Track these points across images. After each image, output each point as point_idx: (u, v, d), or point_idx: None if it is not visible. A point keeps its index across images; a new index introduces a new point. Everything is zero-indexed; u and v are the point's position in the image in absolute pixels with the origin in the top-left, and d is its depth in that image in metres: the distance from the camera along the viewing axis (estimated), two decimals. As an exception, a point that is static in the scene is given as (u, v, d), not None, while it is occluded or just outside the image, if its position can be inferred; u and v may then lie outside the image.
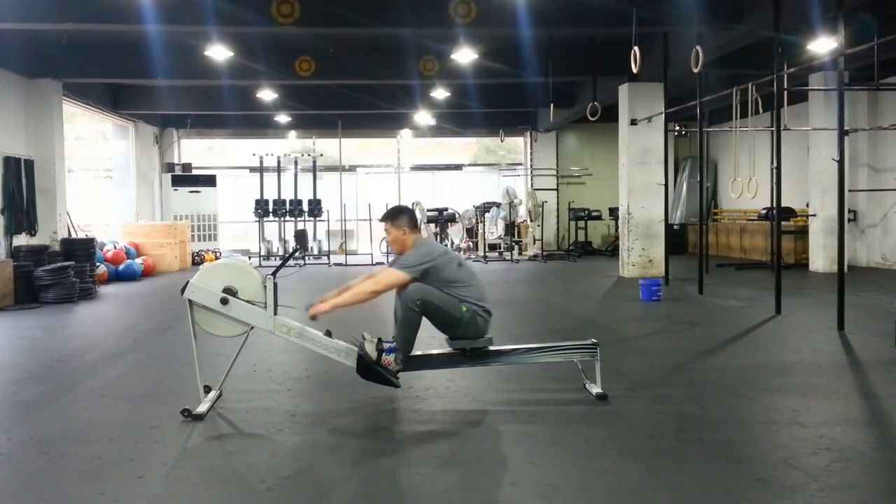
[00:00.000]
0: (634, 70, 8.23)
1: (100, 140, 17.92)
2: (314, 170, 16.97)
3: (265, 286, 4.12)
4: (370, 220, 15.84)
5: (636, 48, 8.20)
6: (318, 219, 16.59)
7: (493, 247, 16.92)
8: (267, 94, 13.73)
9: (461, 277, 4.27)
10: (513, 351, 4.45)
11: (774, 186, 8.35)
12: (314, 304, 4.22)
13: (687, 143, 18.11)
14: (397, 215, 4.41)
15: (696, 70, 8.19)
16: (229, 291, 4.09)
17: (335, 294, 4.30)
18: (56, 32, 10.13)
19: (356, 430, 3.88)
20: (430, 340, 5.20)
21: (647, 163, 11.50)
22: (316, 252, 16.40)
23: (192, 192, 16.84)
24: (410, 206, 4.64)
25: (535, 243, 16.24)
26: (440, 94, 13.59)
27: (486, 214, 16.83)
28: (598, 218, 17.25)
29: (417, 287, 4.15)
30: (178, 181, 16.87)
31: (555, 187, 18.24)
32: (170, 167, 17.26)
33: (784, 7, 7.45)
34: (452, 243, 17.03)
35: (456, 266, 4.31)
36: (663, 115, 10.81)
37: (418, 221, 4.54)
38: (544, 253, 15.73)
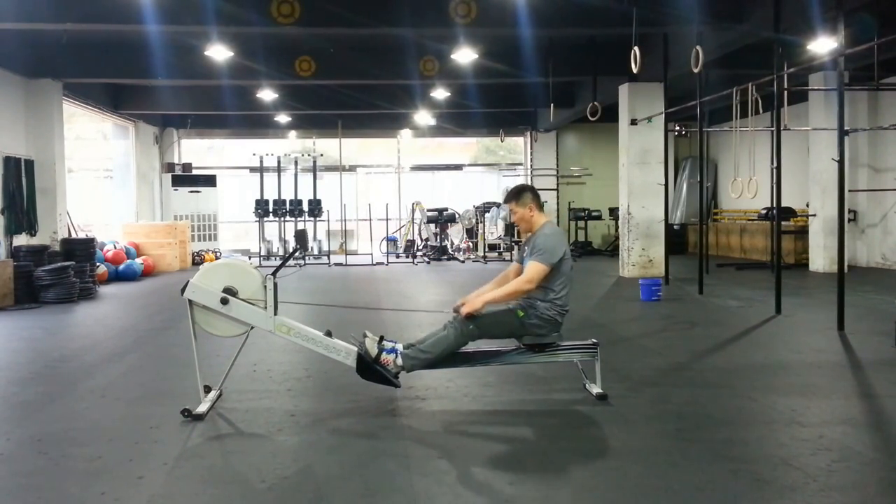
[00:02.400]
0: (634, 70, 8.23)
1: (100, 140, 17.92)
2: (314, 170, 16.97)
3: (265, 286, 4.12)
4: (370, 220, 15.86)
5: (636, 48, 8.19)
6: (318, 219, 16.58)
7: (492, 247, 16.92)
8: (267, 94, 13.73)
9: (568, 276, 4.28)
10: (513, 351, 4.44)
11: (774, 186, 8.36)
12: (465, 304, 4.16)
13: (687, 143, 18.11)
14: (521, 193, 4.37)
15: (696, 70, 8.18)
16: (229, 291, 4.09)
17: (485, 293, 4.25)
18: (56, 32, 10.13)
19: (356, 430, 3.88)
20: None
21: (647, 163, 11.50)
22: (316, 252, 16.39)
23: (192, 192, 16.84)
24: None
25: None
26: (440, 94, 13.60)
27: (486, 214, 16.83)
28: (598, 218, 17.25)
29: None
30: (178, 181, 16.86)
31: (555, 187, 18.24)
32: (170, 167, 17.26)
33: (784, 7, 7.45)
34: (452, 243, 17.03)
35: (570, 264, 4.32)
36: (663, 115, 10.81)
37: (541, 201, 4.47)
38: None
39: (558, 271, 4.20)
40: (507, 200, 4.45)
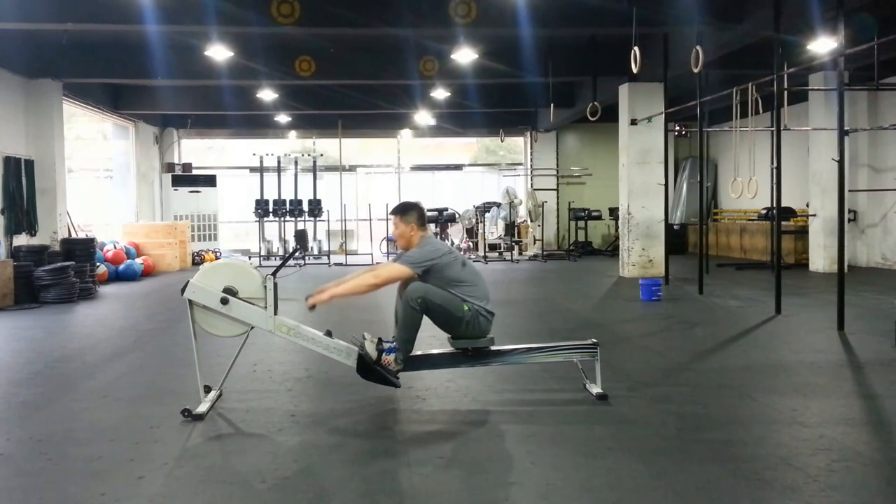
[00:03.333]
0: (634, 70, 8.24)
1: (100, 140, 17.92)
2: (314, 170, 16.96)
3: (265, 286, 4.12)
4: (370, 220, 15.86)
5: (636, 48, 8.20)
6: (318, 219, 16.58)
7: (493, 247, 16.92)
8: (267, 94, 13.73)
9: (465, 277, 4.27)
10: (513, 351, 4.44)
11: (774, 186, 8.35)
12: (313, 294, 4.20)
13: (687, 143, 18.11)
14: (407, 210, 4.41)
15: (696, 70, 8.19)
16: (229, 291, 4.09)
17: (334, 285, 4.27)
18: (56, 32, 10.13)
19: (356, 430, 3.88)
20: (431, 340, 5.21)
21: (647, 163, 11.50)
22: (316, 252, 16.39)
23: (192, 192, 16.84)
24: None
25: (535, 243, 16.24)
26: (440, 94, 13.59)
27: (486, 214, 16.83)
28: (598, 218, 17.25)
29: (419, 286, 4.15)
30: (178, 181, 16.86)
31: (555, 187, 18.24)
32: (170, 167, 17.26)
33: (784, 7, 7.45)
34: (452, 243, 17.03)
35: (460, 265, 4.31)
36: (663, 115, 10.81)
37: (426, 220, 4.51)
38: (544, 253, 15.73)
39: (444, 278, 4.19)
40: (393, 213, 4.47)
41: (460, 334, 4.25)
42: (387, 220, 16.15)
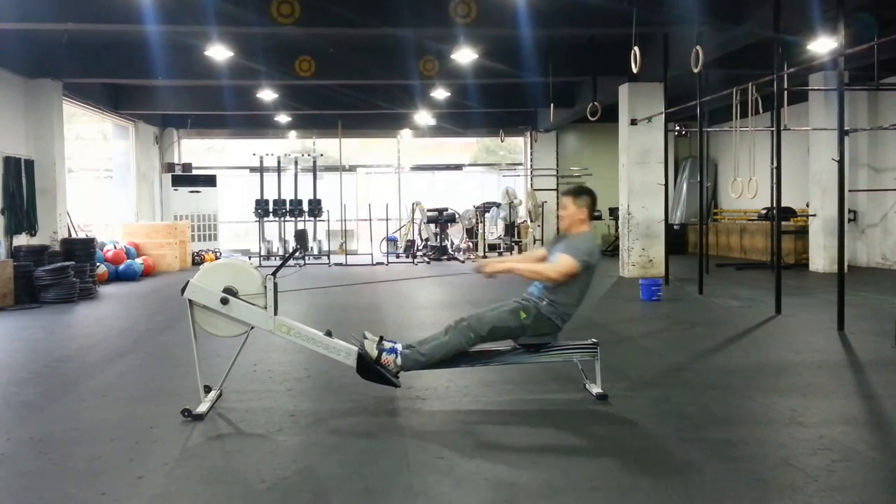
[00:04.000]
0: (634, 70, 8.24)
1: (100, 140, 17.91)
2: (314, 170, 16.96)
3: (265, 286, 4.12)
4: (370, 220, 15.85)
5: (636, 48, 8.20)
6: (318, 219, 16.58)
7: (493, 247, 16.92)
8: (267, 94, 13.73)
9: (587, 290, 4.29)
10: (513, 351, 4.44)
11: (774, 186, 8.35)
12: (486, 265, 4.22)
13: (687, 143, 18.11)
14: (582, 194, 4.38)
15: (696, 70, 8.19)
16: (229, 291, 4.09)
17: (513, 261, 4.31)
18: (56, 32, 10.13)
19: (356, 430, 3.87)
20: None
21: (647, 163, 11.50)
22: (316, 252, 16.39)
23: (192, 192, 16.83)
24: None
25: (535, 243, 16.24)
26: (440, 94, 13.59)
27: (486, 214, 16.82)
28: (598, 218, 17.16)
29: (473, 318, 4.13)
30: (178, 181, 16.86)
31: (555, 187, 18.23)
32: (170, 167, 17.26)
33: (784, 7, 7.45)
34: (452, 243, 17.03)
35: (592, 274, 4.31)
36: (663, 115, 10.81)
37: (595, 212, 4.48)
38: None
39: (579, 277, 4.19)
40: (565, 193, 4.44)
41: (521, 335, 4.24)
42: (387, 220, 16.20)
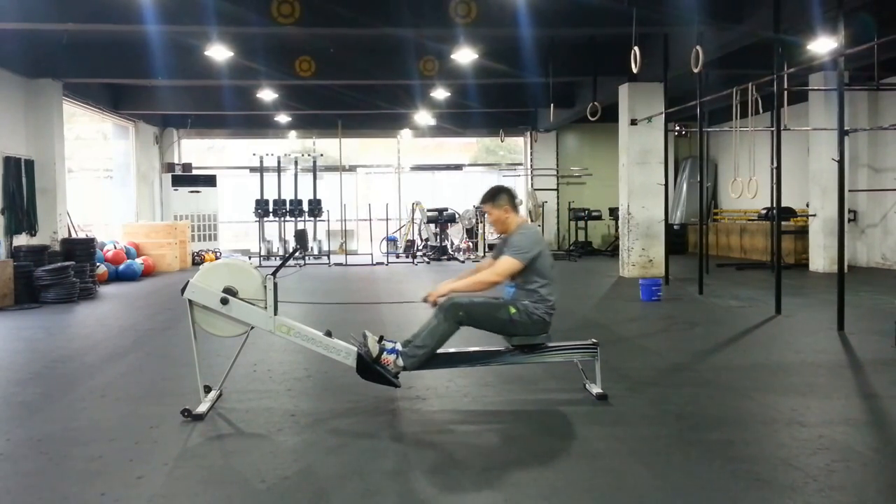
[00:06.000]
0: (634, 70, 8.23)
1: (100, 140, 17.92)
2: (314, 170, 16.97)
3: (265, 286, 4.12)
4: (370, 220, 15.85)
5: (636, 48, 8.19)
6: (318, 219, 16.59)
7: (492, 247, 16.81)
8: (267, 94, 13.73)
9: (551, 274, 4.27)
10: (512, 351, 4.44)
11: (774, 186, 8.35)
12: (431, 293, 4.21)
13: (687, 143, 18.11)
14: (497, 195, 4.38)
15: (696, 70, 8.19)
16: (229, 291, 4.09)
17: (452, 281, 4.27)
18: (56, 32, 10.13)
19: (356, 430, 3.87)
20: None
21: (647, 163, 11.50)
22: (316, 252, 16.40)
23: (192, 192, 16.83)
24: (503, 189, 4.58)
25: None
26: (440, 94, 13.59)
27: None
28: (598, 218, 17.25)
29: (462, 297, 4.14)
30: (178, 181, 16.86)
31: (555, 187, 18.24)
32: (170, 167, 17.26)
33: (784, 7, 7.45)
34: (452, 243, 17.03)
35: (550, 262, 4.31)
36: (663, 115, 10.81)
37: (516, 202, 4.49)
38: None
39: (535, 270, 4.20)
40: (482, 202, 4.46)
41: (512, 333, 4.24)
42: (387, 220, 16.21)
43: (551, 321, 4.29)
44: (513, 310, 4.16)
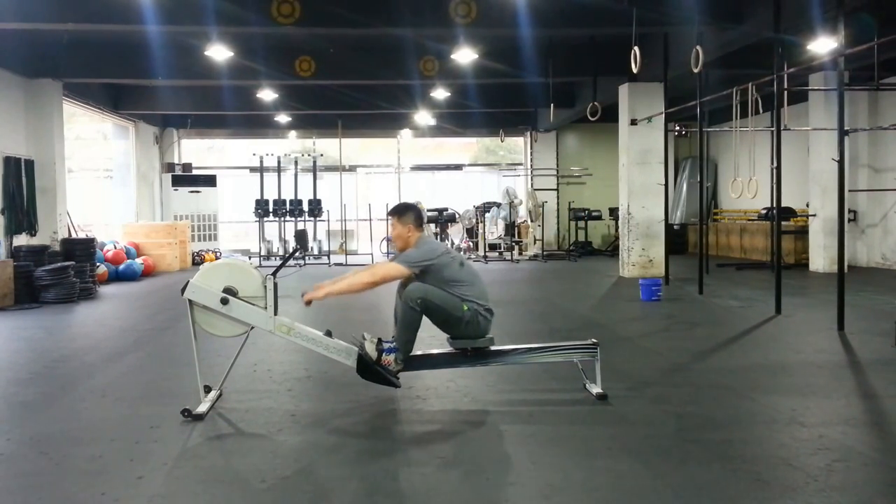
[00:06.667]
0: (634, 70, 8.23)
1: (100, 140, 17.92)
2: (314, 170, 16.97)
3: (265, 286, 4.12)
4: (370, 220, 15.85)
5: (636, 48, 8.19)
6: (318, 219, 16.59)
7: (493, 247, 16.92)
8: (267, 94, 13.73)
9: (463, 277, 4.26)
10: (513, 351, 4.44)
11: (774, 186, 8.35)
12: (308, 291, 4.21)
13: (687, 143, 18.11)
14: (405, 212, 4.42)
15: (696, 70, 8.18)
16: (229, 291, 4.09)
17: (331, 283, 4.27)
18: (56, 32, 10.13)
19: (356, 430, 3.87)
20: (431, 340, 5.21)
21: (647, 163, 11.50)
22: (316, 252, 16.39)
23: (192, 192, 16.83)
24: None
25: (535, 243, 16.24)
26: (440, 94, 13.59)
27: (486, 214, 16.82)
28: (598, 218, 17.25)
29: (418, 286, 4.15)
30: (178, 181, 16.86)
31: (555, 187, 18.24)
32: (170, 167, 17.26)
33: (784, 7, 7.45)
34: (452, 243, 17.03)
35: (458, 265, 4.31)
36: (663, 115, 10.81)
37: (424, 221, 4.52)
38: (544, 253, 15.73)
39: (444, 277, 4.19)
40: (390, 213, 4.49)
41: (459, 334, 4.26)
42: (387, 220, 16.14)
43: (491, 319, 4.31)
44: (465, 307, 4.18)
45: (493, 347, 4.37)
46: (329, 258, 15.54)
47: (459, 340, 4.28)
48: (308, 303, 4.21)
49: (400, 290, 4.28)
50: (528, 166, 18.66)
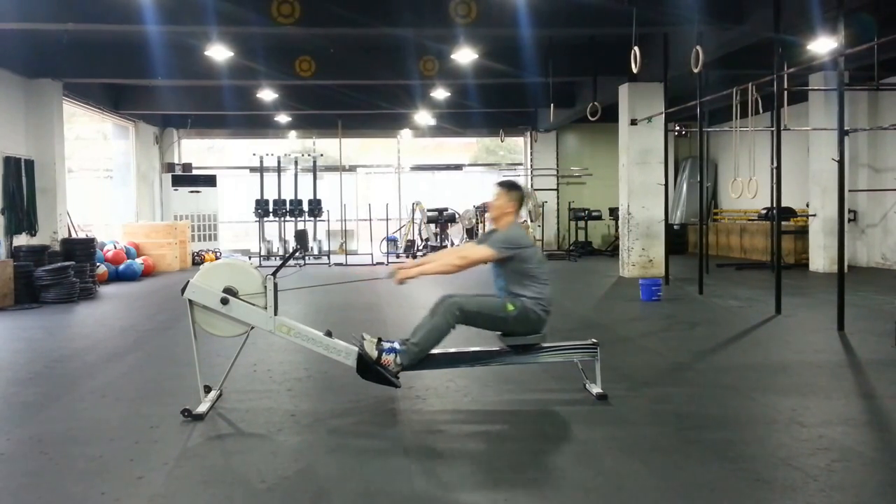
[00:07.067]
0: (634, 70, 8.23)
1: (100, 140, 17.92)
2: (314, 170, 16.97)
3: (265, 286, 4.12)
4: (370, 220, 15.85)
5: (636, 48, 8.19)
6: (318, 219, 16.59)
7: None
8: (267, 94, 13.73)
9: (540, 274, 4.27)
10: (513, 351, 4.44)
11: (774, 186, 8.35)
12: (400, 269, 4.25)
13: (687, 143, 18.11)
14: (513, 188, 4.47)
15: (696, 70, 8.19)
16: (229, 291, 4.09)
17: (421, 263, 4.31)
18: (56, 32, 10.13)
19: (356, 430, 3.88)
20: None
21: (647, 163, 11.50)
22: (316, 252, 16.39)
23: (192, 192, 16.83)
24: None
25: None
26: (440, 94, 13.59)
27: (486, 214, 16.81)
28: (598, 218, 17.25)
29: (457, 296, 4.16)
30: (178, 181, 16.86)
31: (555, 187, 18.24)
32: (170, 167, 17.26)
33: (784, 7, 7.45)
34: (452, 243, 17.03)
35: (539, 260, 4.32)
36: (663, 115, 10.81)
37: (521, 209, 4.56)
38: (544, 253, 15.72)
39: (523, 269, 4.22)
40: (500, 184, 4.52)
41: (509, 332, 4.25)
42: (387, 219, 16.20)
43: (547, 319, 4.29)
44: (511, 307, 4.17)
45: (492, 348, 4.37)
46: (329, 258, 15.54)
47: (509, 337, 4.27)
48: (401, 282, 4.23)
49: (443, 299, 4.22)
50: (528, 166, 18.66)
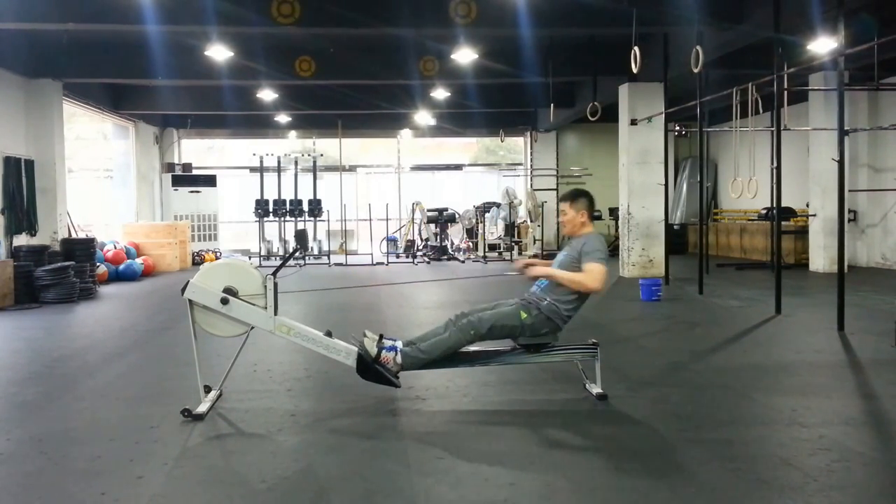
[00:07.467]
0: (634, 70, 8.23)
1: (100, 140, 17.91)
2: (314, 170, 16.97)
3: (265, 286, 4.12)
4: (370, 220, 15.85)
5: (636, 48, 8.19)
6: (318, 219, 16.59)
7: (492, 247, 16.91)
8: (267, 94, 13.73)
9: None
10: (513, 351, 4.44)
11: (774, 186, 8.35)
12: (530, 264, 4.34)
13: (687, 143, 18.11)
14: (577, 197, 4.45)
15: (696, 70, 8.19)
16: (230, 291, 4.09)
17: (550, 267, 4.35)
18: (56, 32, 10.13)
19: (356, 430, 3.87)
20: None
21: (647, 163, 11.50)
22: (316, 252, 16.40)
23: (192, 192, 16.84)
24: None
25: (535, 243, 16.24)
26: (440, 94, 13.59)
27: (486, 214, 16.82)
28: (598, 218, 17.08)
29: (475, 316, 4.17)
30: (178, 181, 16.86)
31: (555, 187, 18.22)
32: (170, 167, 17.26)
33: (784, 7, 7.45)
34: (452, 243, 17.03)
35: None
36: (663, 115, 10.81)
37: (593, 211, 4.55)
38: (544, 253, 15.71)
39: None
40: (563, 199, 4.51)
41: (525, 336, 4.26)
42: (387, 220, 16.19)
43: (563, 328, 4.31)
44: (524, 315, 4.18)
45: (492, 348, 4.37)
46: (329, 258, 15.54)
47: (521, 338, 4.28)
48: (522, 271, 4.37)
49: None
50: (528, 166, 18.66)
